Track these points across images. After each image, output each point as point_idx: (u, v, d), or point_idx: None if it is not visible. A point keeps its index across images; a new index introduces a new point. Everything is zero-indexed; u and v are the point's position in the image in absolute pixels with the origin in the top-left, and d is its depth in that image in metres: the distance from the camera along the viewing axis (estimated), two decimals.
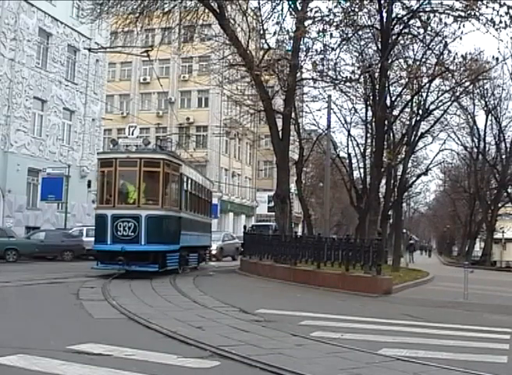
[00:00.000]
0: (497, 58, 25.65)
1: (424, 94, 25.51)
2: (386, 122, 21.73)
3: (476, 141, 43.73)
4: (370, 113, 25.96)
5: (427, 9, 17.96)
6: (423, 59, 20.74)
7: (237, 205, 54.08)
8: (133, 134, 16.89)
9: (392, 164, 24.21)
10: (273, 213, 25.18)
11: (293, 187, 29.90)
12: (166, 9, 19.76)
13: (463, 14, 16.45)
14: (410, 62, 20.85)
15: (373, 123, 23.71)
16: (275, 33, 19.82)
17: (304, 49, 19.66)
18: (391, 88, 23.81)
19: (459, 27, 17.04)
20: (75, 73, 34.91)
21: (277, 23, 18.63)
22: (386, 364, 6.20)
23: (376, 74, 20.16)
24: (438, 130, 31.33)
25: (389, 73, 20.78)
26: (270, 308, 10.20)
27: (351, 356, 6.47)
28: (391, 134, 26.14)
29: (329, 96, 24.17)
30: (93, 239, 17.30)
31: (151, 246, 15.44)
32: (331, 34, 17.66)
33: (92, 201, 28.60)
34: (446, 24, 17.83)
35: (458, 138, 41.33)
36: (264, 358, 6.03)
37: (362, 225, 26.94)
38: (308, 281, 14.98)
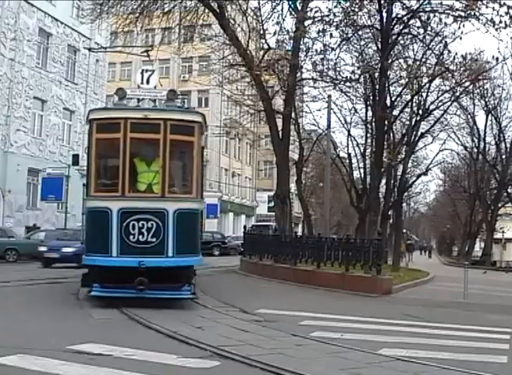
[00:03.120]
0: (497, 58, 25.61)
1: (424, 94, 25.49)
2: (386, 122, 21.73)
3: (476, 141, 43.74)
4: (370, 113, 25.92)
5: (427, 9, 17.97)
6: (423, 59, 20.72)
7: (237, 206, 54.09)
8: (148, 83, 11.11)
9: (392, 164, 24.21)
10: (273, 213, 25.20)
11: (293, 187, 29.87)
12: (166, 9, 19.75)
13: (463, 14, 16.45)
14: (410, 62, 20.83)
15: (373, 123, 23.69)
16: (275, 33, 19.84)
17: (304, 49, 19.66)
18: (391, 88, 23.79)
19: (459, 27, 17.05)
20: (75, 73, 34.91)
21: (277, 23, 18.65)
22: (386, 364, 6.21)
23: (376, 74, 20.15)
24: (438, 130, 31.30)
25: (389, 73, 20.78)
26: (270, 308, 10.20)
27: (351, 356, 6.47)
28: (391, 134, 26.12)
29: (329, 96, 24.14)
30: None
31: (183, 258, 10.02)
32: (331, 34, 17.68)
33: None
34: (446, 24, 17.84)
35: (458, 138, 41.33)
36: (264, 358, 6.03)
37: (362, 225, 26.91)
38: (308, 281, 14.96)
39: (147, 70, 11.36)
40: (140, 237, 9.67)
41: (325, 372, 5.83)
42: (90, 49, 26.67)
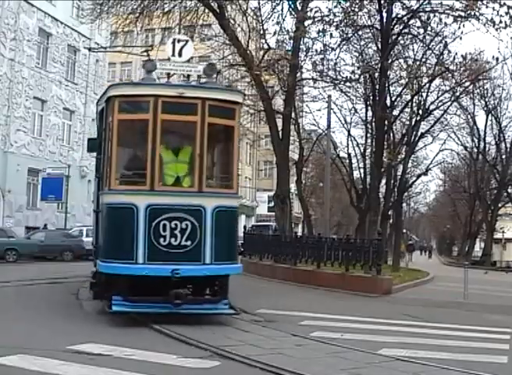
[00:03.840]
0: (497, 58, 25.56)
1: (424, 94, 25.50)
2: (386, 122, 21.73)
3: (476, 141, 43.74)
4: (370, 113, 25.95)
5: (427, 9, 17.97)
6: (423, 59, 20.72)
7: None
8: (180, 55, 9.12)
9: (392, 164, 24.21)
10: (273, 213, 25.16)
11: (293, 187, 29.88)
12: (166, 9, 19.75)
13: (463, 14, 16.46)
14: (410, 62, 20.85)
15: (373, 123, 23.69)
16: (275, 33, 19.82)
17: (304, 49, 19.65)
18: (391, 88, 23.81)
19: (459, 27, 17.06)
20: (75, 73, 34.92)
21: (277, 23, 18.63)
22: (386, 364, 6.21)
23: (376, 74, 20.16)
24: (438, 130, 31.34)
25: (389, 73, 20.78)
26: (270, 308, 10.20)
27: (351, 356, 6.47)
28: (391, 134, 26.13)
29: (329, 96, 24.14)
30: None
31: (222, 266, 8.52)
32: (331, 34, 17.68)
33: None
34: (446, 24, 17.84)
35: (458, 138, 41.35)
36: (264, 358, 6.03)
37: (362, 225, 26.92)
38: (308, 281, 14.96)
39: (179, 40, 9.22)
40: (173, 240, 8.10)
41: (325, 372, 5.84)
42: (90, 49, 26.68)
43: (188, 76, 9.21)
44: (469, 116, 40.55)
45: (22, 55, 29.97)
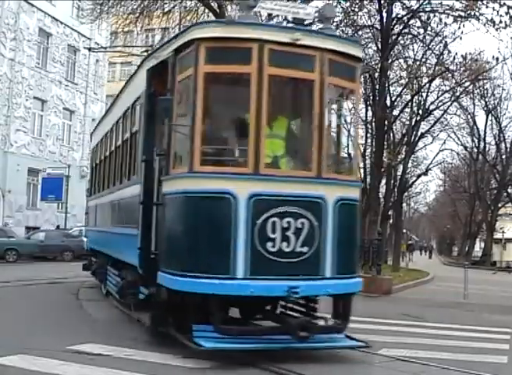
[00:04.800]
0: (497, 58, 25.53)
1: (424, 94, 25.53)
2: (386, 122, 21.73)
3: (476, 141, 43.76)
4: (370, 113, 25.96)
5: (427, 9, 18.00)
6: (423, 59, 20.74)
7: None
8: None
9: (392, 164, 24.21)
10: None
11: None
12: (166, 9, 19.75)
13: (463, 14, 16.48)
14: (410, 62, 20.86)
15: (373, 123, 23.70)
16: None
17: None
18: (391, 88, 23.83)
19: (459, 27, 17.09)
20: (75, 73, 34.93)
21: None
22: (386, 364, 6.21)
23: (376, 74, 20.16)
24: (438, 130, 31.36)
25: (389, 73, 20.78)
26: None
27: (351, 356, 6.46)
28: (391, 134, 26.14)
29: None
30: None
31: (345, 281, 6.39)
32: None
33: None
34: (446, 24, 17.86)
35: (458, 138, 41.36)
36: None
37: (362, 225, 26.91)
38: None
39: None
40: (284, 244, 5.83)
41: (325, 372, 5.83)
42: (90, 49, 26.60)
43: (299, 23, 6.64)
44: (469, 116, 40.56)
45: (22, 55, 29.97)
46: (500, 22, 15.31)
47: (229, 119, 6.87)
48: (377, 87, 20.70)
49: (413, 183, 36.99)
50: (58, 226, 29.98)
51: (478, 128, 43.16)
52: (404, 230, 44.87)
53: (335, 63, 6.30)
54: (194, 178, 6.02)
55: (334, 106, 7.09)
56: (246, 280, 5.75)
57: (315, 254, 5.99)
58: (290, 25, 6.56)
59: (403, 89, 23.56)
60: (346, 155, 7.50)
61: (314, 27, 6.57)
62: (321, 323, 6.45)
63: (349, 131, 7.54)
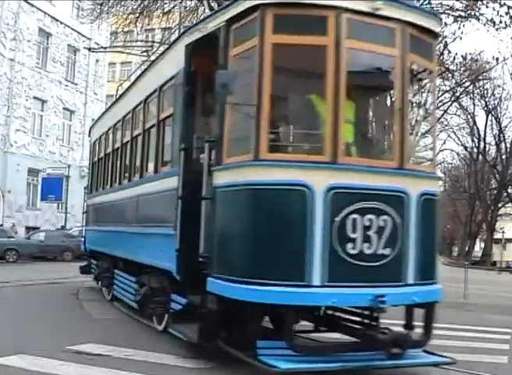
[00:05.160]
0: (497, 58, 25.66)
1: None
2: None
3: (476, 141, 43.85)
4: None
5: (427, 9, 17.97)
6: None
7: None
8: None
9: None
10: None
11: None
12: (166, 9, 19.76)
13: (463, 14, 16.46)
14: None
15: None
16: None
17: None
18: None
19: (459, 27, 17.07)
20: (75, 73, 34.94)
21: None
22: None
23: None
24: (438, 130, 31.38)
25: None
26: None
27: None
28: None
29: None
30: None
31: (428, 287, 5.88)
32: None
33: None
34: (446, 24, 17.83)
35: (458, 138, 41.46)
36: None
37: None
38: None
39: None
40: (366, 246, 5.02)
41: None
42: (90, 49, 26.63)
43: None
44: (469, 116, 40.63)
45: (22, 55, 29.98)
46: (500, 22, 15.30)
47: (299, 99, 5.84)
48: None
49: None
50: (62, 227, 30.00)
51: (478, 128, 43.23)
52: None
53: (415, 38, 5.48)
54: (261, 167, 5.06)
55: (412, 88, 6.13)
56: (324, 287, 4.88)
57: (397, 257, 5.16)
58: None
59: None
60: (425, 144, 6.44)
61: None
62: (410, 336, 5.40)
63: (425, 117, 6.61)
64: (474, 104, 39.65)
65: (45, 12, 31.57)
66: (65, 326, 7.79)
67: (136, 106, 8.45)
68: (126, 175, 8.96)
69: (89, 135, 14.70)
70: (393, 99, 5.51)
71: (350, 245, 4.97)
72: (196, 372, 5.56)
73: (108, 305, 9.89)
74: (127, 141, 8.96)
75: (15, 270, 17.64)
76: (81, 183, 33.31)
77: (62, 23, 33.00)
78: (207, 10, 19.37)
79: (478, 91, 36.54)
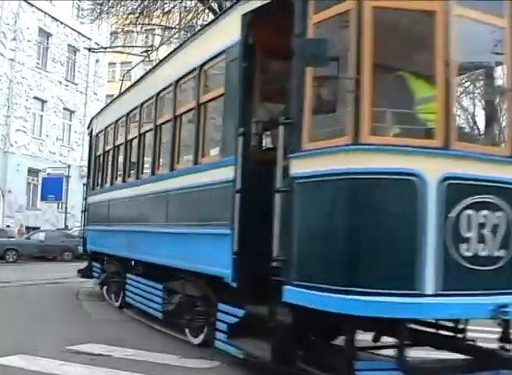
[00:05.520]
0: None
1: None
2: None
3: None
4: None
5: None
6: None
7: None
8: None
9: None
10: None
11: None
12: (166, 9, 19.76)
13: None
14: None
15: None
16: None
17: None
18: None
19: None
20: (75, 73, 34.93)
21: None
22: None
23: None
24: None
25: None
26: None
27: None
28: None
29: None
30: None
31: None
32: None
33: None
34: None
35: None
36: None
37: None
38: None
39: None
40: (481, 247, 4.25)
41: None
42: (90, 49, 26.64)
43: None
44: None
45: (22, 55, 29.97)
46: None
47: (399, 74, 4.99)
48: None
49: None
50: (66, 227, 30.02)
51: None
52: None
53: None
54: (362, 153, 4.15)
55: None
56: (438, 297, 4.07)
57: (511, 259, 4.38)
58: None
59: None
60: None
61: None
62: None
63: None
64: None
65: (45, 12, 31.57)
66: (65, 326, 7.78)
67: (161, 91, 7.61)
68: (147, 169, 8.09)
69: (88, 128, 13.73)
70: (502, 78, 4.76)
71: (464, 246, 4.19)
72: (196, 372, 5.56)
73: (108, 306, 9.89)
74: (147, 131, 8.13)
75: (15, 270, 17.64)
76: (81, 183, 33.26)
77: (62, 23, 33.00)
78: (207, 10, 19.40)
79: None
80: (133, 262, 8.92)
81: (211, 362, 5.81)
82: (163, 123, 7.52)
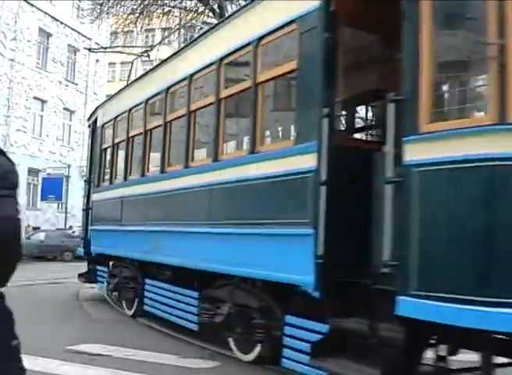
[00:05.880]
0: None
1: None
2: None
3: None
4: None
5: None
6: None
7: None
8: None
9: None
10: None
11: None
12: (166, 9, 19.77)
13: None
14: None
15: None
16: None
17: None
18: None
19: None
20: (75, 73, 34.92)
21: None
22: None
23: None
24: None
25: None
26: None
27: None
28: None
29: None
30: None
31: None
32: None
33: None
34: None
35: None
36: None
37: None
38: None
39: None
40: None
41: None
42: (90, 49, 26.65)
43: None
44: None
45: (22, 55, 29.97)
46: None
47: None
48: None
49: None
50: (70, 227, 30.02)
51: None
52: None
53: None
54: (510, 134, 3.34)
55: None
56: None
57: None
58: None
59: None
60: None
61: None
62: None
63: None
64: None
65: (45, 12, 31.55)
66: (65, 327, 7.79)
67: (196, 72, 6.66)
68: (175, 161, 7.21)
69: (88, 119, 12.71)
70: None
71: None
72: (196, 372, 5.56)
73: (107, 306, 9.89)
74: (176, 118, 7.20)
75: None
76: (81, 183, 33.34)
77: (62, 23, 32.99)
78: (207, 11, 19.40)
79: None
80: (153, 267, 7.94)
81: (212, 362, 5.81)
82: (201, 107, 6.63)
